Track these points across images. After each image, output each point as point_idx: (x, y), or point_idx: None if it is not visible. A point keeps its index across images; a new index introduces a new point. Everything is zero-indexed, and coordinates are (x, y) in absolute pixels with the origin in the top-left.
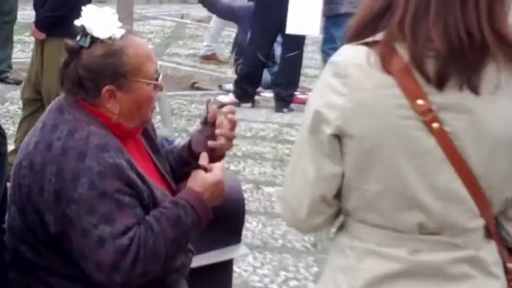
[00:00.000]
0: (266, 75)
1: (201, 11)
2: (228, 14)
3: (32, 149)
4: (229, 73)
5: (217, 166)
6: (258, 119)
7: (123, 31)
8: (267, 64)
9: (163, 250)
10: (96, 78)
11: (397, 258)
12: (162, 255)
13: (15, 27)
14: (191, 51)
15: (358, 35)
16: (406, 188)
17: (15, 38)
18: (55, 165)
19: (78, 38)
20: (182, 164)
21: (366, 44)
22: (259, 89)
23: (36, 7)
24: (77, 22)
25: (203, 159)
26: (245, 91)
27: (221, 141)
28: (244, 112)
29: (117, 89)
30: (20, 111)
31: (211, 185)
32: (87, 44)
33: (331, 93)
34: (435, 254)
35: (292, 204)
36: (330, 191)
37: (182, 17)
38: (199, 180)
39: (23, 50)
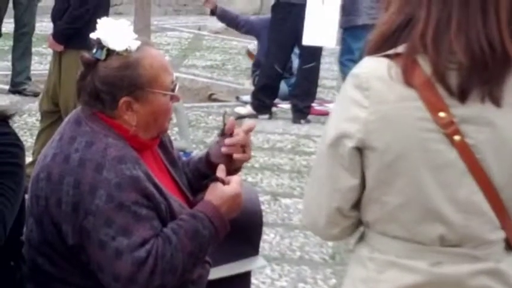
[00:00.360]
0: (283, 87)
1: (218, 23)
2: (246, 29)
3: (49, 161)
4: (247, 84)
5: (234, 179)
6: (275, 131)
7: (138, 43)
8: (284, 76)
9: (180, 263)
10: (113, 90)
11: (418, 270)
12: (179, 268)
13: (33, 39)
14: (208, 63)
15: (378, 48)
16: (427, 201)
17: (33, 49)
18: (73, 177)
19: (94, 50)
20: (199, 176)
21: (387, 56)
22: (277, 100)
23: (53, 19)
24: (93, 35)
25: (221, 171)
26: (262, 103)
27: (235, 149)
28: (262, 124)
29: (134, 100)
30: (37, 123)
31: (228, 198)
32: (103, 56)
33: (352, 106)
34: (456, 266)
35: (313, 213)
36: (345, 203)
37: (199, 29)
38: (217, 193)
39: (40, 62)
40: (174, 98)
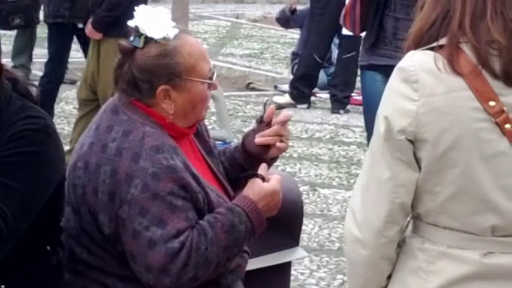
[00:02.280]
0: (322, 76)
1: (257, 11)
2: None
3: (86, 149)
4: (285, 73)
5: (274, 177)
6: (314, 120)
7: (176, 31)
8: (324, 65)
9: (215, 257)
10: (150, 78)
11: (470, 261)
12: (213, 262)
13: None
14: (246, 51)
15: (417, 43)
16: (479, 191)
17: None
18: (109, 166)
19: (132, 38)
20: (235, 164)
21: (431, 49)
22: (316, 90)
23: (92, 7)
24: (130, 23)
25: (262, 168)
26: (301, 92)
27: (270, 140)
28: (300, 113)
29: (172, 88)
30: (75, 111)
31: (267, 194)
32: (141, 44)
33: (401, 100)
34: (507, 256)
35: (369, 219)
36: (408, 197)
37: (237, 17)
38: (256, 190)
39: (78, 50)
40: (211, 86)
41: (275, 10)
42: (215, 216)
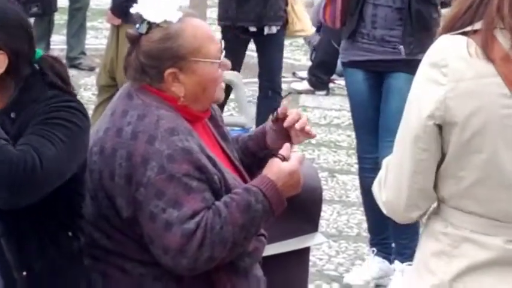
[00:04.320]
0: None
1: None
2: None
3: (102, 134)
4: (304, 60)
5: (295, 156)
6: (332, 107)
7: (180, 14)
8: None
9: (230, 236)
10: (156, 63)
11: (493, 247)
12: (229, 241)
13: (88, 14)
14: None
15: (451, 27)
16: (504, 177)
17: (88, 24)
18: (125, 149)
19: (137, 25)
20: (248, 154)
21: (464, 33)
22: (334, 76)
23: None
24: (132, 10)
25: (285, 149)
26: (319, 79)
27: (299, 137)
28: (319, 100)
29: (179, 71)
30: (93, 98)
31: (286, 174)
32: (144, 30)
33: (430, 84)
34: None
35: (390, 198)
36: (428, 183)
37: None
38: (274, 169)
39: (96, 37)
40: (222, 66)
41: None
42: (231, 196)
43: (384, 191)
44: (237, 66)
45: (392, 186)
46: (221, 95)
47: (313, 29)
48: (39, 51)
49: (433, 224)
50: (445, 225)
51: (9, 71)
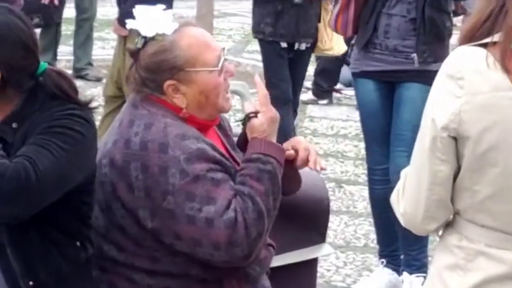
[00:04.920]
0: (348, 73)
1: None
2: None
3: (110, 146)
4: (310, 70)
5: (261, 102)
6: (339, 117)
7: (176, 25)
8: (345, 61)
9: (263, 205)
10: (154, 76)
11: (508, 261)
12: (263, 210)
13: (95, 24)
14: None
15: (470, 38)
16: None
17: (95, 35)
18: (139, 161)
19: (137, 40)
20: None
21: (482, 45)
22: (341, 86)
23: (118, 3)
24: (128, 26)
25: (248, 105)
26: (320, 87)
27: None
28: (326, 110)
29: (179, 82)
30: (100, 109)
31: (267, 124)
32: (140, 44)
33: (447, 95)
34: None
35: (408, 209)
36: (446, 194)
37: None
38: (256, 127)
39: (103, 47)
40: (223, 73)
41: None
42: (241, 173)
43: (402, 202)
44: (279, 80)
45: (410, 198)
46: (227, 105)
47: (344, 48)
48: (44, 64)
49: (447, 237)
50: (460, 238)
51: (7, 83)
